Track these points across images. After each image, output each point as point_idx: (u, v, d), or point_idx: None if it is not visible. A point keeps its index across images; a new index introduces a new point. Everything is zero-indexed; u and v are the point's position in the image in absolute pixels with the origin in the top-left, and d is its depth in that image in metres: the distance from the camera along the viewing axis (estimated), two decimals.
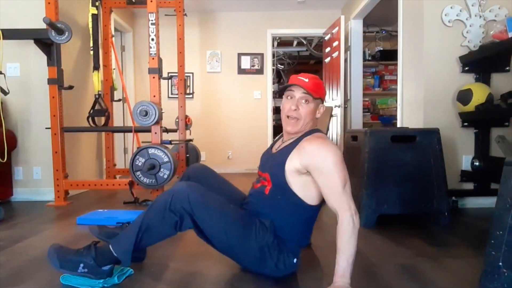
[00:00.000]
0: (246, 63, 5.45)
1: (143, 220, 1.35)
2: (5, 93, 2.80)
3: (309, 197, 1.37)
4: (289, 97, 1.43)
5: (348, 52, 4.71)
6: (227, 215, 1.36)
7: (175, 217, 1.31)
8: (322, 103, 1.46)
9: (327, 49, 5.09)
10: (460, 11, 2.73)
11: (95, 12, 3.32)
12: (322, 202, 1.41)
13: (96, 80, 3.36)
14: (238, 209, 1.45)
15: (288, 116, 1.42)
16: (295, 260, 1.41)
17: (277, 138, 1.61)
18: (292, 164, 1.34)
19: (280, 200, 1.39)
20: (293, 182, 1.36)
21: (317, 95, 1.41)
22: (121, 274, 1.42)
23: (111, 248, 1.35)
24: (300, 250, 1.46)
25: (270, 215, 1.40)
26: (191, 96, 5.34)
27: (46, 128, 2.98)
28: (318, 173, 1.29)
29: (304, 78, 1.40)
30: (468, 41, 2.73)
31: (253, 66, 5.45)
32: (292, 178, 1.36)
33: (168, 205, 1.31)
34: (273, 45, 5.86)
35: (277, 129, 6.08)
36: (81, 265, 1.33)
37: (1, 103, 2.85)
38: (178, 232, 1.36)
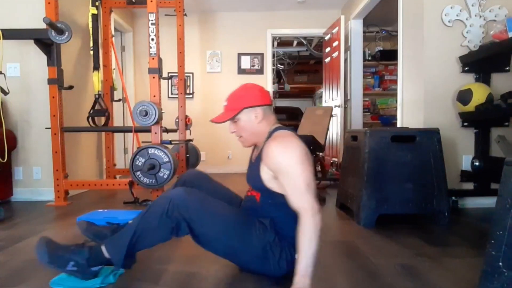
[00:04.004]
0: (246, 63, 5.45)
1: (139, 224, 1.33)
2: (5, 93, 2.80)
3: None
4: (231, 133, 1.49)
5: (348, 52, 4.71)
6: (226, 218, 1.36)
7: (171, 224, 1.30)
8: (254, 107, 1.39)
9: (327, 49, 5.09)
10: (460, 11, 2.73)
11: (95, 12, 3.33)
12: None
13: (96, 80, 3.36)
14: (237, 211, 1.45)
15: (239, 140, 1.48)
16: (296, 256, 1.41)
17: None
18: (265, 172, 1.35)
19: (272, 204, 1.39)
20: (276, 186, 1.36)
21: (234, 112, 1.39)
22: (114, 273, 1.42)
23: (103, 249, 1.33)
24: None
25: (268, 216, 1.40)
26: (191, 96, 5.34)
27: (46, 128, 2.98)
28: (280, 174, 1.29)
29: (224, 102, 1.43)
30: (468, 41, 2.73)
31: (253, 66, 5.45)
32: (272, 184, 1.36)
33: (166, 212, 1.29)
34: (273, 45, 5.86)
35: None
36: (71, 263, 1.31)
37: (1, 103, 2.85)
38: (174, 237, 1.35)
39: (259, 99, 1.41)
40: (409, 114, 3.05)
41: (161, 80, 3.03)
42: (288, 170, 1.26)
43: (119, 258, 1.31)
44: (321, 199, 3.08)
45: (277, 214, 1.39)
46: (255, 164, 1.43)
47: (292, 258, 1.40)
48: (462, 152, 2.78)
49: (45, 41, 2.82)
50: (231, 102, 1.42)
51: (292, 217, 1.38)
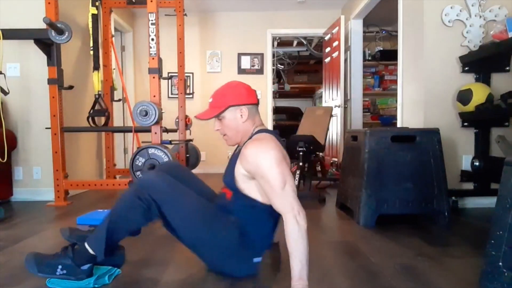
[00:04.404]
0: (246, 63, 5.45)
1: (113, 210, 1.35)
2: (5, 93, 2.80)
3: (266, 199, 1.35)
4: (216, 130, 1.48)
5: (348, 52, 4.71)
6: (195, 206, 1.36)
7: (143, 205, 1.30)
8: (239, 105, 1.39)
9: (327, 49, 5.09)
10: (460, 11, 2.73)
11: (95, 12, 3.33)
12: None
13: (96, 80, 3.36)
14: (207, 202, 1.43)
15: (223, 138, 1.47)
16: (256, 260, 1.41)
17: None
18: (239, 171, 1.35)
19: (241, 205, 1.39)
20: (247, 187, 1.36)
21: (219, 110, 1.39)
22: (110, 274, 1.42)
23: (86, 245, 1.34)
24: (264, 251, 1.45)
25: (235, 215, 1.40)
26: (191, 96, 5.34)
27: (46, 128, 2.98)
28: (258, 176, 1.29)
29: (210, 99, 1.43)
30: (468, 41, 2.73)
31: (253, 66, 5.45)
32: (244, 184, 1.36)
33: (136, 193, 1.31)
34: (273, 45, 5.86)
35: (277, 129, 6.08)
36: (59, 266, 1.31)
37: (1, 103, 2.85)
38: (149, 222, 1.35)
39: (245, 98, 1.40)
40: (409, 114, 3.05)
41: (161, 80, 3.03)
42: (264, 172, 1.26)
43: (100, 249, 1.32)
44: (321, 199, 3.08)
45: (245, 216, 1.39)
46: (231, 163, 1.42)
47: (252, 261, 1.40)
48: (462, 152, 2.78)
49: (45, 41, 2.82)
50: (216, 99, 1.41)
51: (261, 222, 1.39)
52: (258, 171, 1.28)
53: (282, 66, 7.83)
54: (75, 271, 1.32)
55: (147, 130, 2.90)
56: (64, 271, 1.32)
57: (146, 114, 2.74)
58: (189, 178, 1.59)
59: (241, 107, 1.39)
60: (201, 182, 1.65)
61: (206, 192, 1.59)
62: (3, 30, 2.71)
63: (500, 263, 1.05)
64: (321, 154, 3.97)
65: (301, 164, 3.25)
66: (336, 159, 4.54)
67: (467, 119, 2.70)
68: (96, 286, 1.34)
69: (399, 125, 3.18)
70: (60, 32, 2.74)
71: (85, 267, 1.34)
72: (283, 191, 1.24)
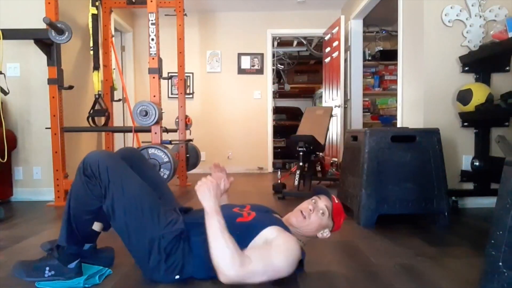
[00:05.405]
0: (246, 63, 5.45)
1: (68, 195, 1.36)
2: (5, 93, 2.80)
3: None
4: (313, 201, 1.51)
5: (348, 52, 4.71)
6: (134, 191, 1.32)
7: (88, 180, 1.30)
8: (330, 230, 1.51)
9: (327, 49, 5.09)
10: (460, 11, 2.73)
11: (95, 12, 3.33)
12: None
13: (96, 80, 3.36)
14: (154, 194, 1.39)
15: (301, 212, 1.48)
16: (176, 277, 1.33)
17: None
18: (269, 234, 1.33)
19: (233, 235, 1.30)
20: (255, 243, 1.32)
21: (332, 216, 1.49)
22: (101, 274, 1.42)
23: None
24: (188, 276, 1.36)
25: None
26: (191, 96, 5.34)
27: (46, 128, 2.98)
28: (269, 245, 1.28)
29: (337, 200, 1.53)
30: (468, 41, 2.73)
31: (253, 66, 5.45)
32: (260, 238, 1.33)
33: (82, 171, 1.30)
34: (273, 45, 5.86)
35: (277, 129, 6.08)
36: (47, 268, 1.31)
37: (1, 103, 2.85)
38: (101, 200, 1.32)
39: (336, 229, 1.54)
40: (409, 114, 3.05)
41: (161, 80, 3.03)
42: (274, 254, 1.26)
43: (61, 234, 1.33)
44: None
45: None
46: (280, 220, 1.48)
47: (172, 274, 1.32)
48: (462, 152, 2.78)
49: (45, 41, 2.82)
50: (339, 209, 1.51)
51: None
52: (273, 246, 1.28)
53: (282, 66, 7.83)
54: (63, 271, 1.32)
55: (147, 130, 2.90)
56: (52, 272, 1.32)
57: (146, 114, 2.74)
58: (146, 168, 1.56)
59: (329, 232, 1.50)
60: (158, 177, 1.61)
61: (161, 190, 1.53)
62: (3, 30, 2.70)
63: (500, 263, 1.05)
64: (321, 154, 3.97)
65: (301, 164, 3.25)
66: (336, 159, 4.54)
67: (467, 119, 2.70)
68: (86, 286, 1.33)
69: (399, 125, 3.18)
70: (60, 32, 2.74)
71: (72, 265, 1.33)
72: (256, 269, 1.22)
